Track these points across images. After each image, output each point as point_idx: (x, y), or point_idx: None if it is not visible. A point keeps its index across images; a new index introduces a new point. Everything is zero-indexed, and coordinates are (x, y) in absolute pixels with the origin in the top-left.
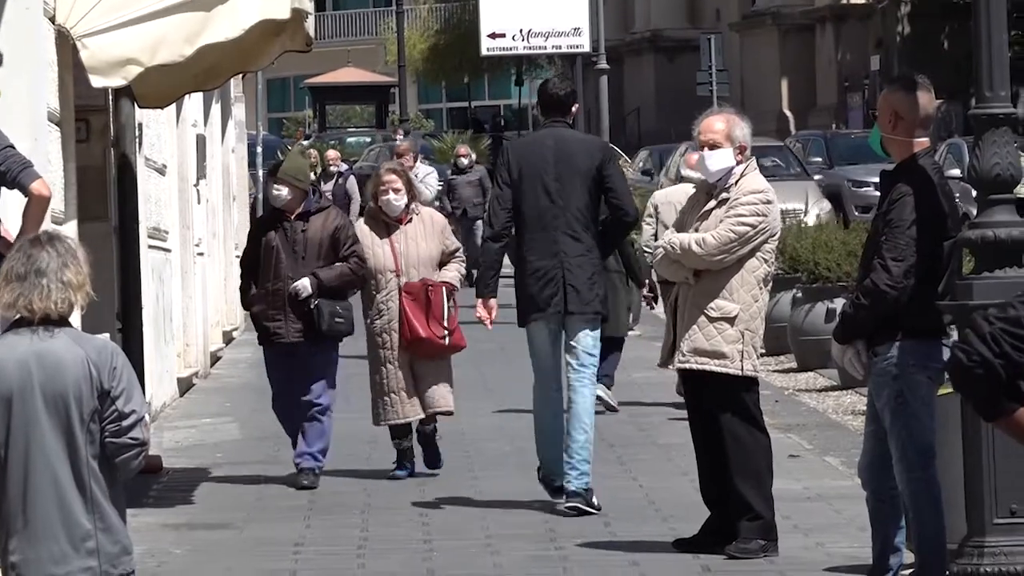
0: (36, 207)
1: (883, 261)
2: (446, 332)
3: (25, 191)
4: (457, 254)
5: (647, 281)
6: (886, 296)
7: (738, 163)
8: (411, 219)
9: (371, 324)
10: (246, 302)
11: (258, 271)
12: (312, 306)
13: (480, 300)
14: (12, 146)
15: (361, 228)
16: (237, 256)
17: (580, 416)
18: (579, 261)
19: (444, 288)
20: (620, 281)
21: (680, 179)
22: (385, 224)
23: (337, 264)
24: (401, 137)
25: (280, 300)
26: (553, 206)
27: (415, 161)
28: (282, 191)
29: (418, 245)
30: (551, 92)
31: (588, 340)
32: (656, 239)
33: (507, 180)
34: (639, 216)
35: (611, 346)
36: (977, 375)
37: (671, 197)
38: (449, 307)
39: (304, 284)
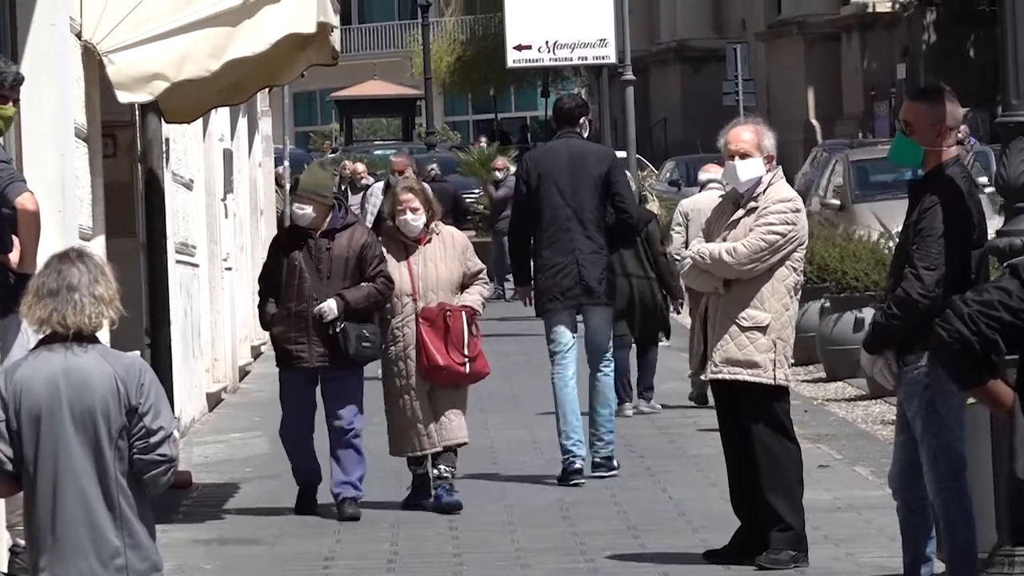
0: (25, 225)
1: (915, 271)
2: (466, 359)
3: (9, 205)
4: (480, 276)
5: (680, 294)
6: (918, 305)
7: (767, 172)
8: (430, 239)
9: (385, 351)
10: (265, 323)
11: (279, 290)
12: (338, 329)
13: (519, 287)
14: (8, 161)
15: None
16: None
17: (604, 393)
18: (592, 258)
19: (464, 313)
20: (652, 288)
21: (704, 185)
22: (403, 245)
23: (364, 284)
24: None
25: (303, 322)
26: (567, 208)
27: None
28: (306, 209)
29: (437, 267)
30: (562, 106)
31: (604, 329)
32: (687, 246)
33: (527, 186)
34: (641, 218)
35: (643, 352)
36: (956, 350)
37: (699, 204)
38: (470, 333)
39: (330, 306)
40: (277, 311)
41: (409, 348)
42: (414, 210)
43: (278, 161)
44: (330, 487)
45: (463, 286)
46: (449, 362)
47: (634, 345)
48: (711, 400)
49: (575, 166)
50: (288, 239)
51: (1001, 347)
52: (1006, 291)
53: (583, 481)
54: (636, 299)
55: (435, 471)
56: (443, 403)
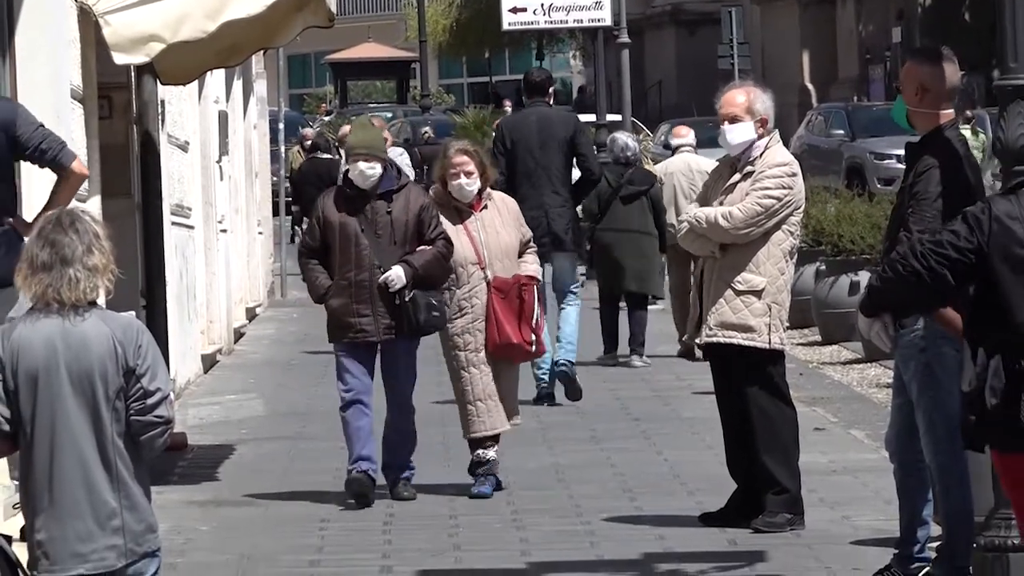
0: (72, 186)
1: (910, 234)
2: (534, 337)
3: (64, 170)
4: (531, 243)
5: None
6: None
7: (759, 136)
8: (485, 205)
9: (450, 324)
10: (319, 295)
11: (328, 259)
12: (407, 298)
13: None
14: (43, 124)
15: None
16: (260, 232)
17: (569, 318)
18: (560, 211)
19: (535, 286)
20: (653, 245)
21: (675, 149)
22: (457, 211)
23: (425, 248)
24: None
25: (366, 293)
26: (538, 168)
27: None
28: (376, 168)
29: (498, 234)
30: (533, 79)
31: (569, 271)
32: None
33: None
34: (602, 175)
35: (636, 305)
36: (911, 283)
37: (671, 167)
38: (538, 308)
39: (398, 273)
40: (332, 282)
41: (478, 321)
42: (468, 174)
43: (272, 124)
44: (381, 467)
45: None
46: (521, 340)
47: (623, 303)
48: (698, 354)
49: (543, 131)
50: (339, 202)
51: (949, 280)
52: (955, 233)
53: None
54: (634, 252)
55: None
56: (504, 381)
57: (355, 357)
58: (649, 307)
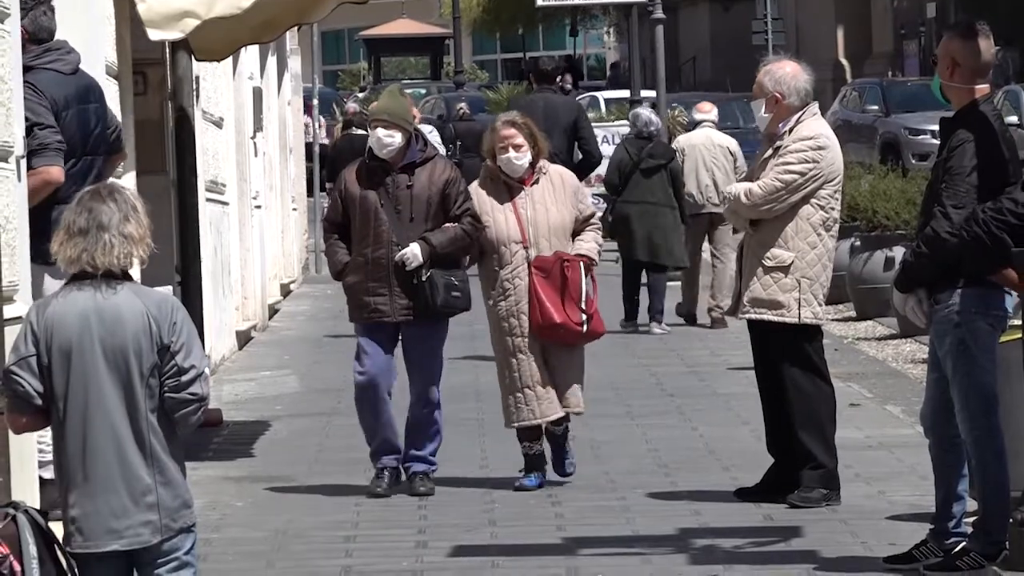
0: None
1: (943, 209)
2: (584, 317)
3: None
4: (593, 221)
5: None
6: (946, 243)
7: (775, 114)
8: (537, 180)
9: (494, 306)
10: (337, 272)
11: (349, 234)
12: (424, 277)
13: None
14: (44, 126)
15: (477, 192)
16: (294, 209)
17: None
18: None
19: (582, 263)
20: (674, 216)
21: (697, 124)
22: (506, 186)
23: (448, 225)
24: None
25: (383, 270)
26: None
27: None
28: (395, 137)
29: (548, 211)
30: (542, 68)
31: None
32: (683, 181)
33: None
34: (602, 158)
35: (657, 277)
36: (974, 246)
37: (693, 140)
38: (587, 286)
39: (414, 251)
40: (351, 258)
41: (522, 303)
42: (517, 147)
43: (306, 100)
44: (400, 460)
45: (575, 232)
46: (566, 319)
47: (644, 272)
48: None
49: (549, 115)
50: (360, 174)
51: (1007, 242)
52: (1015, 200)
53: None
54: (653, 223)
55: (549, 427)
56: (561, 365)
57: (374, 338)
58: (670, 281)
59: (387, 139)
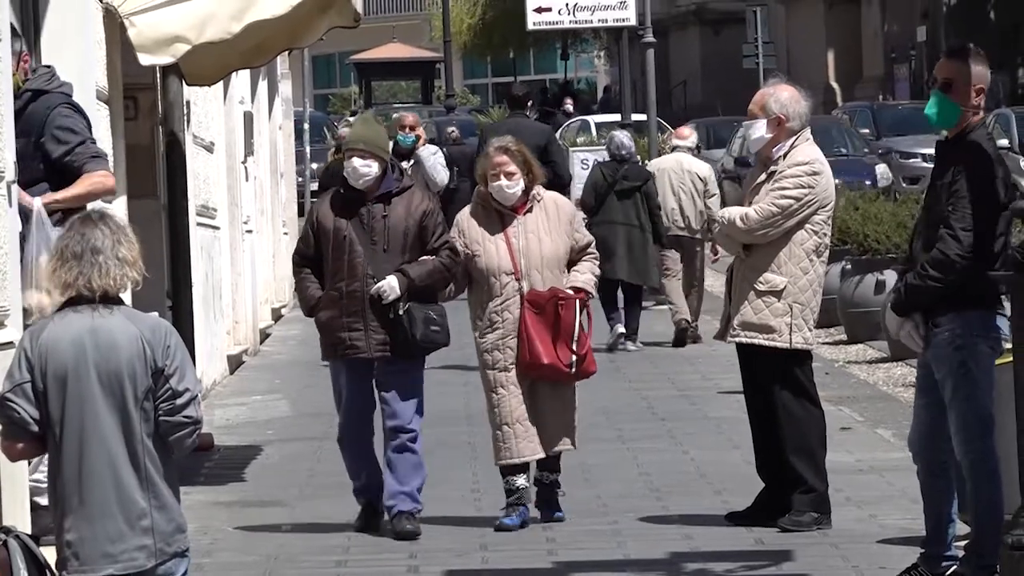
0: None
1: (952, 231)
2: (574, 359)
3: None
4: (589, 250)
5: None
6: (955, 266)
7: (774, 135)
8: (531, 208)
9: (480, 337)
10: (309, 307)
11: (322, 267)
12: (401, 311)
13: None
14: (93, 139)
15: (468, 219)
16: (285, 233)
17: None
18: None
19: (577, 301)
20: (646, 238)
21: (673, 149)
22: (498, 214)
23: (426, 258)
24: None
25: (358, 304)
26: None
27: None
28: (372, 167)
29: (540, 241)
30: (514, 94)
31: None
32: (659, 203)
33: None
34: (571, 179)
35: (632, 297)
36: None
37: (663, 164)
38: (581, 324)
39: (391, 284)
40: (324, 293)
41: (508, 337)
42: (509, 175)
43: (298, 124)
44: (383, 498)
45: (570, 262)
46: (554, 360)
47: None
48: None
49: (520, 139)
50: (335, 205)
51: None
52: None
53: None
54: (627, 243)
55: (536, 476)
56: (546, 400)
57: (350, 378)
58: (655, 306)
59: (364, 169)
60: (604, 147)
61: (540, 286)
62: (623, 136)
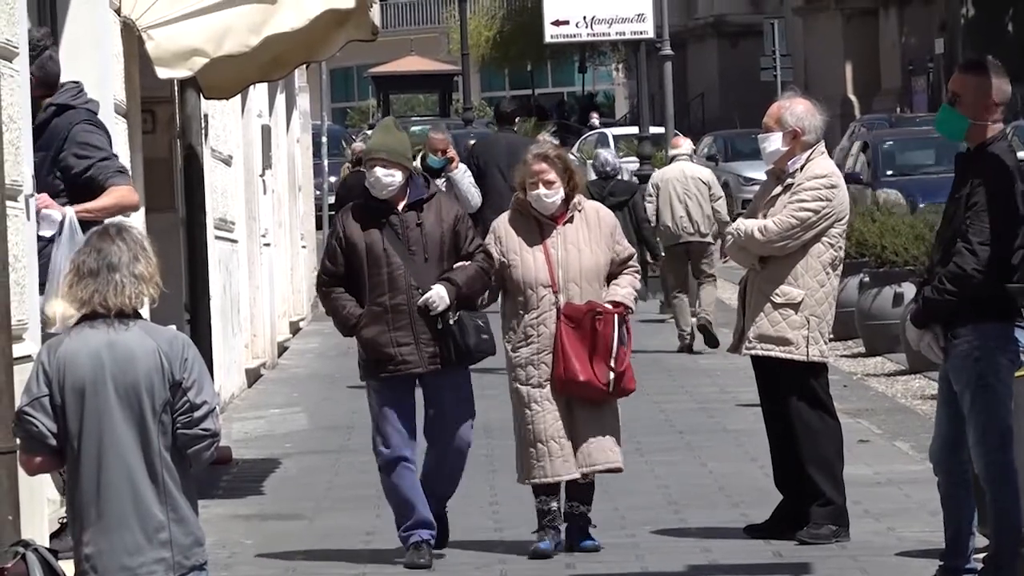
0: (118, 199)
1: (969, 245)
2: (612, 376)
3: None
4: (631, 263)
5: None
6: (972, 280)
7: (789, 148)
8: (571, 218)
9: (513, 351)
10: (350, 326)
11: (352, 284)
12: (452, 320)
13: None
14: (115, 155)
15: (506, 227)
16: (303, 246)
17: None
18: None
19: (616, 316)
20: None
21: (672, 159)
22: (537, 223)
23: (466, 263)
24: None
25: (404, 318)
26: (506, 185)
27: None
28: (395, 176)
29: (580, 252)
30: (503, 110)
31: None
32: (657, 215)
33: (475, 169)
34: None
35: None
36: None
37: (666, 175)
38: (620, 339)
39: (440, 294)
40: (365, 309)
41: (544, 352)
42: (548, 183)
43: (315, 137)
44: (433, 529)
45: (610, 275)
46: (591, 377)
47: None
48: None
49: (511, 153)
50: (361, 218)
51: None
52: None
53: None
54: None
55: (566, 507)
56: (584, 417)
57: (395, 397)
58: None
59: (387, 179)
60: (621, 159)
61: (578, 299)
62: (607, 154)
